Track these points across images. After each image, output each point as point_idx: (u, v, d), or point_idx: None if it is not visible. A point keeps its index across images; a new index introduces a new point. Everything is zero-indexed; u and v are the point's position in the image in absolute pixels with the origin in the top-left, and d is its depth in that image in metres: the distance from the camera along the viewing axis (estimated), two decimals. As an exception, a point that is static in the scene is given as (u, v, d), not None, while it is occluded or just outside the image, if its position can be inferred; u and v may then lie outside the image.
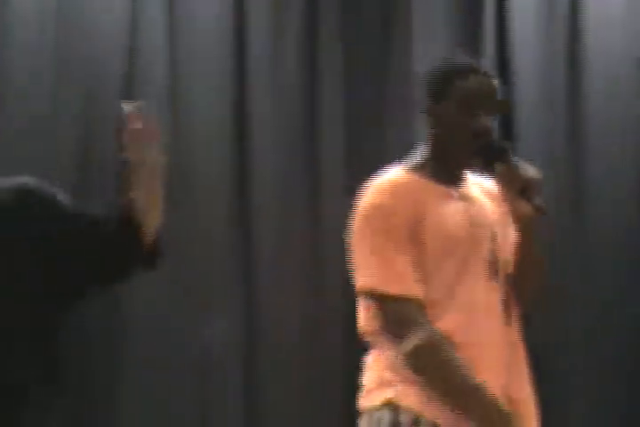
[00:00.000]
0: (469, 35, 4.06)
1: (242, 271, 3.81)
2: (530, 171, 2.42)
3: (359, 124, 3.98)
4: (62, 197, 2.37)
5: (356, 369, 3.52)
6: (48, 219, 2.34)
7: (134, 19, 3.78)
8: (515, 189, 2.37)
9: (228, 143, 3.85)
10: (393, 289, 2.34)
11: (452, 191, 2.48)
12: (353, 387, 3.53)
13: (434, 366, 2.35)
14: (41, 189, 2.38)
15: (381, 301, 2.37)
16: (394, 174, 2.51)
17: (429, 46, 3.98)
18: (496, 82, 2.52)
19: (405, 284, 2.37)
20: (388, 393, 2.37)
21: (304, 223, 3.91)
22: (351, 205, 2.54)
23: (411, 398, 2.37)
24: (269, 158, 3.87)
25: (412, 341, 2.34)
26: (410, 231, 2.42)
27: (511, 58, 4.05)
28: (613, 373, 3.93)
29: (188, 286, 3.75)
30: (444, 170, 2.50)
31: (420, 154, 2.53)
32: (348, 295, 3.58)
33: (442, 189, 2.49)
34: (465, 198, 2.50)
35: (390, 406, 2.36)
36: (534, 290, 2.58)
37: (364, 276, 2.43)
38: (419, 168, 2.50)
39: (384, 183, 2.48)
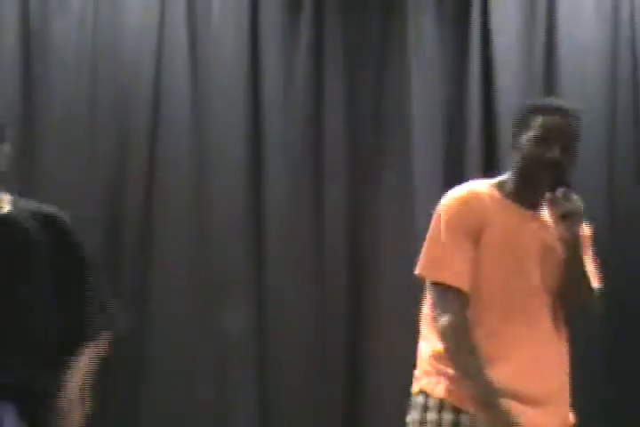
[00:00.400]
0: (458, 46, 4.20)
1: (254, 264, 3.99)
2: (575, 202, 2.65)
3: (359, 131, 4.13)
4: (77, 242, 2.76)
5: (356, 340, 3.91)
6: (54, 248, 2.71)
7: (159, 57, 4.02)
8: (557, 215, 2.62)
9: (243, 152, 4.02)
10: (440, 277, 2.61)
11: (525, 212, 2.72)
12: (354, 358, 3.86)
13: (452, 350, 2.61)
14: (63, 224, 2.78)
15: (430, 287, 2.64)
16: (475, 185, 2.79)
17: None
18: (572, 120, 2.75)
19: (452, 274, 2.62)
20: (423, 382, 2.65)
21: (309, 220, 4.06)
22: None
23: (438, 387, 2.63)
24: (280, 161, 4.05)
25: (441, 322, 2.60)
26: (473, 235, 2.67)
27: (494, 52, 4.16)
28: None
29: (208, 276, 3.94)
30: (522, 193, 2.73)
31: (506, 176, 2.76)
32: (349, 279, 3.93)
33: (515, 208, 2.73)
34: (537, 221, 2.71)
35: (424, 393, 2.65)
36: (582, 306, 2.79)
37: (420, 263, 2.70)
38: (500, 186, 2.75)
39: (463, 191, 2.74)
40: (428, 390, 2.68)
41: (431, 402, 2.69)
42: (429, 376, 2.69)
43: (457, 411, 2.65)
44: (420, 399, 2.70)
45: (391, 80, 4.20)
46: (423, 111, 4.14)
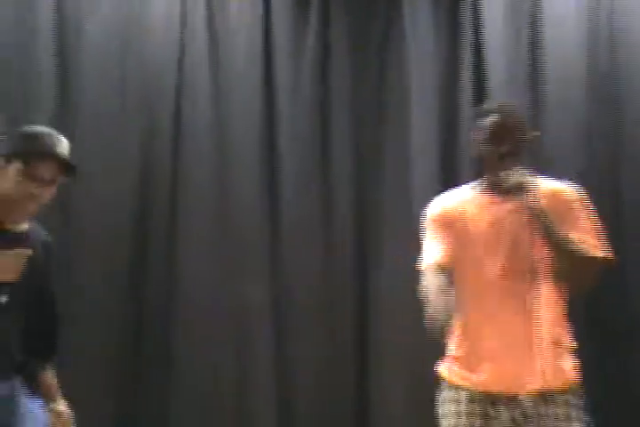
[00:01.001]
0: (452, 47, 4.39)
1: (269, 246, 4.25)
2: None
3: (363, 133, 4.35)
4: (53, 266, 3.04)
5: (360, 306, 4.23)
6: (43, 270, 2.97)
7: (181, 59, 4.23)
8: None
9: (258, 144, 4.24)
10: (427, 261, 3.05)
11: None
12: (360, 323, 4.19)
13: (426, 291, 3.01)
14: (53, 253, 3.04)
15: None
16: (456, 190, 3.23)
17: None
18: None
19: (434, 256, 3.06)
20: (441, 367, 3.09)
21: (318, 210, 4.30)
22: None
23: (446, 371, 3.08)
24: (291, 147, 4.28)
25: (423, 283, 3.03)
26: (447, 231, 3.10)
27: (485, 47, 4.33)
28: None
29: (230, 255, 4.20)
30: (492, 185, 3.10)
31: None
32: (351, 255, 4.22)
33: (489, 201, 3.10)
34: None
35: (440, 376, 3.10)
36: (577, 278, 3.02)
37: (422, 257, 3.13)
38: (479, 184, 3.15)
39: (444, 195, 3.21)
40: (441, 374, 3.12)
41: (443, 383, 3.12)
42: (444, 362, 3.12)
43: (456, 388, 3.06)
44: (440, 381, 3.14)
45: (392, 66, 4.39)
46: (420, 97, 4.33)
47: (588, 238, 3.03)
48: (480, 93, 4.31)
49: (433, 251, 3.14)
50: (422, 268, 3.13)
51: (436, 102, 4.34)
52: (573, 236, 3.01)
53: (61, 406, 3.12)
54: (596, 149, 4.26)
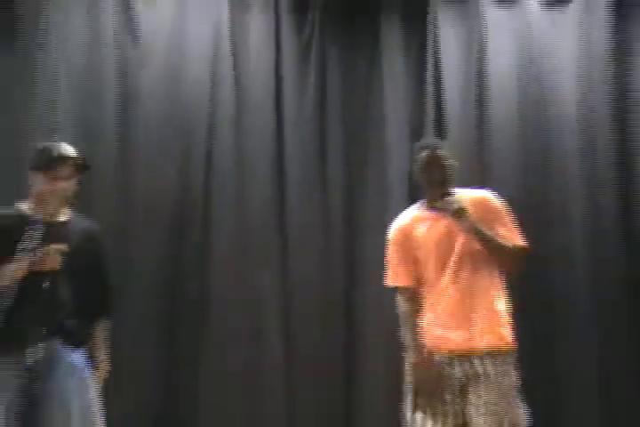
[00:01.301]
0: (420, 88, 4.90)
1: (278, 241, 4.74)
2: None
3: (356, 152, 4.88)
4: (102, 249, 3.53)
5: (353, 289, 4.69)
6: (88, 252, 3.46)
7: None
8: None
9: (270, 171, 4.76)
10: (389, 282, 3.70)
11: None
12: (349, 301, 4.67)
13: (400, 318, 3.61)
14: (98, 237, 3.54)
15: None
16: (408, 210, 3.74)
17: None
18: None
19: (396, 279, 3.65)
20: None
21: (318, 215, 4.81)
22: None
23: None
24: (295, 150, 4.79)
25: (399, 306, 3.64)
26: (407, 247, 3.64)
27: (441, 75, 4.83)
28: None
29: (245, 249, 4.67)
30: (431, 204, 3.63)
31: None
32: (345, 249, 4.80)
33: (431, 214, 3.61)
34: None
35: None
36: (507, 259, 3.55)
37: (386, 275, 3.70)
38: (424, 202, 3.68)
39: (401, 218, 3.72)
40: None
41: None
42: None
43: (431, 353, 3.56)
44: None
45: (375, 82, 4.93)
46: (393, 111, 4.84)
47: (511, 233, 3.61)
48: (440, 123, 4.82)
49: (398, 273, 3.68)
50: (389, 285, 3.68)
51: (406, 128, 4.86)
52: (500, 231, 3.57)
53: (102, 361, 3.57)
54: (528, 178, 4.88)
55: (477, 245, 3.50)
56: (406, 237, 3.64)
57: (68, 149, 3.51)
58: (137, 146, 4.70)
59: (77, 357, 3.44)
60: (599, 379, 4.71)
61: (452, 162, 3.61)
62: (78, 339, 3.47)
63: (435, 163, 3.58)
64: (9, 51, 4.54)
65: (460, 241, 3.54)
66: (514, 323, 3.62)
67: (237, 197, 4.75)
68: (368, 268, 4.70)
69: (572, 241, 4.84)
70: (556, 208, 4.90)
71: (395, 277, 3.65)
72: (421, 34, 4.97)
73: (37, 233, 3.29)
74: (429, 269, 3.60)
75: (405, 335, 3.59)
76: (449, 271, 3.56)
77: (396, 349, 3.79)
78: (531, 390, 3.63)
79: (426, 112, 4.89)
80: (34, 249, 3.25)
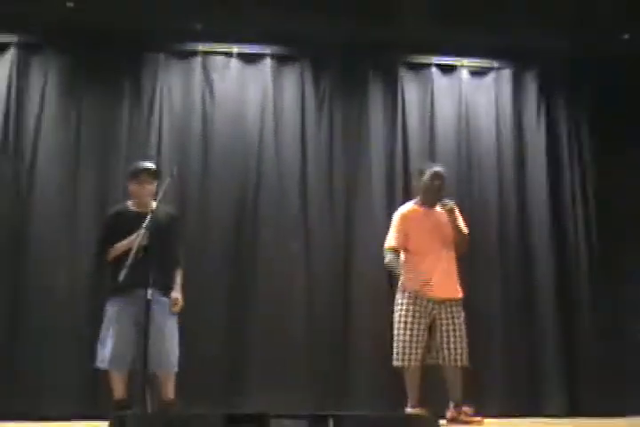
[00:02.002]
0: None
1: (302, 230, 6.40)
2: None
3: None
4: (180, 226, 4.92)
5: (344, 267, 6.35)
6: (171, 228, 4.85)
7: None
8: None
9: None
10: (387, 245, 5.39)
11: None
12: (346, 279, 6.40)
13: (389, 263, 5.23)
14: (177, 218, 4.97)
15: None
16: (407, 204, 5.33)
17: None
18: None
19: (393, 242, 5.28)
20: (399, 285, 5.04)
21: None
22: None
23: (401, 286, 5.03)
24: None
25: (386, 259, 5.32)
26: (405, 229, 5.24)
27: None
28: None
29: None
30: (426, 202, 5.18)
31: (419, 196, 5.10)
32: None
33: (423, 209, 5.16)
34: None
35: (399, 287, 5.13)
36: (463, 244, 5.22)
37: (386, 240, 5.32)
38: (418, 200, 5.25)
39: (403, 207, 5.32)
40: (399, 287, 5.21)
41: (398, 291, 5.21)
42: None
43: (406, 293, 5.17)
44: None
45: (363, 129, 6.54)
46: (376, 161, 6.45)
47: (464, 226, 5.35)
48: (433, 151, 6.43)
49: (393, 238, 5.24)
50: (386, 246, 5.24)
51: (384, 159, 6.49)
52: (460, 224, 5.25)
53: (177, 296, 4.75)
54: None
55: (451, 230, 5.23)
56: (405, 219, 5.28)
57: (147, 164, 5.00)
58: (212, 167, 6.50)
59: (165, 298, 4.80)
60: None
61: (445, 179, 5.28)
62: (167, 286, 4.78)
63: (438, 177, 5.29)
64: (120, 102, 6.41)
65: (442, 227, 5.26)
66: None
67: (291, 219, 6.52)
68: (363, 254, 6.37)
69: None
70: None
71: (391, 241, 5.26)
72: (394, 94, 6.73)
73: (139, 221, 4.56)
74: (419, 243, 5.21)
75: (395, 269, 5.22)
76: (433, 244, 5.24)
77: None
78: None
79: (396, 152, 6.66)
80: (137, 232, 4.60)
